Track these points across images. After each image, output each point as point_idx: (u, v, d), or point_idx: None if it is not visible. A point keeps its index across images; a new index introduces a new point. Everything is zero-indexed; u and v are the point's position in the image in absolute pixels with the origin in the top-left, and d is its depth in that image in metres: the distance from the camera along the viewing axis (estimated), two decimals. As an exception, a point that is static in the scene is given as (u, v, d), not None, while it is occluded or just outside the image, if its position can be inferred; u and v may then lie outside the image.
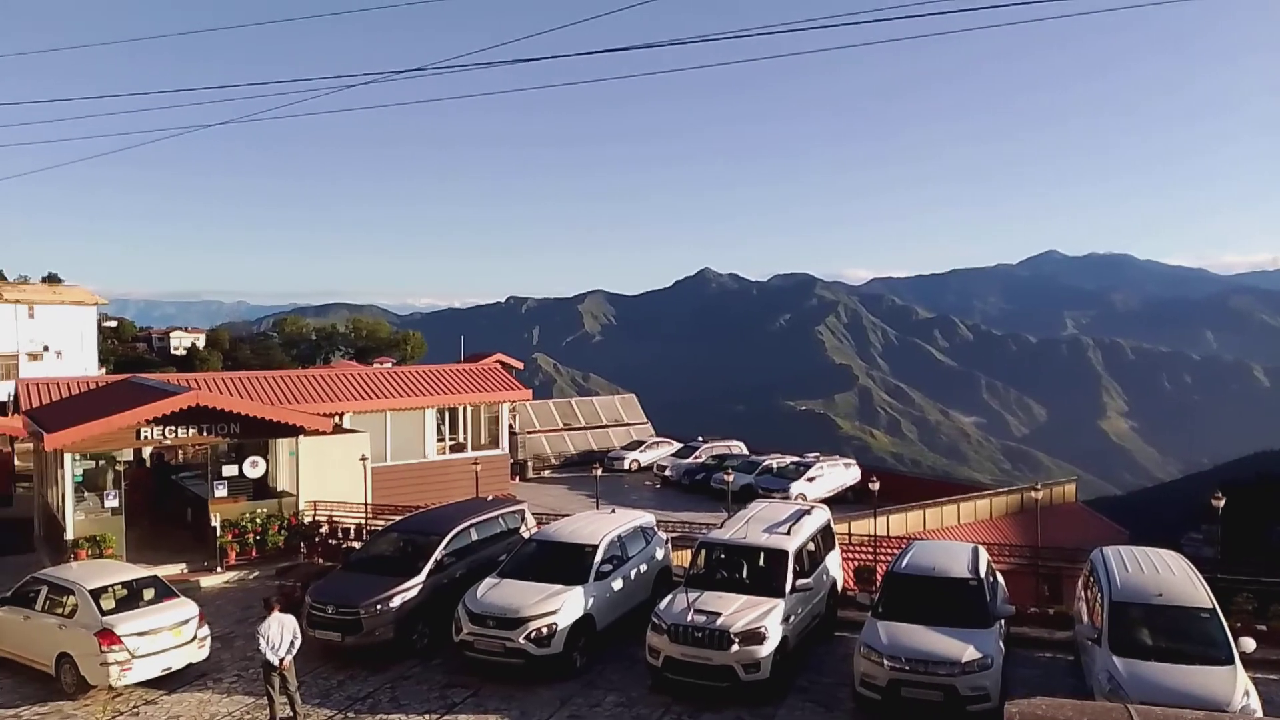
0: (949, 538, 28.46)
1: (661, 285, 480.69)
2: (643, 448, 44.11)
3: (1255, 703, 10.77)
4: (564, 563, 15.29)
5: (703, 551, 15.41)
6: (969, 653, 12.15)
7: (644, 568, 16.77)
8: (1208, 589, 12.66)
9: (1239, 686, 10.84)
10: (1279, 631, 14.86)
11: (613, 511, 18.55)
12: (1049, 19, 17.83)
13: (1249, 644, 11.74)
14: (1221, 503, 18.43)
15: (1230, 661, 11.32)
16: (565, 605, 14.30)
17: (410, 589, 15.62)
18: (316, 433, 23.77)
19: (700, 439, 43.38)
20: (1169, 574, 13.06)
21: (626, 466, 42.56)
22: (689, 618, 13.38)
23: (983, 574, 13.95)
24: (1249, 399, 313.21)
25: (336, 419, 28.96)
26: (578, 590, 14.67)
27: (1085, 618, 13.54)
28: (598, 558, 15.39)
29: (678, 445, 43.37)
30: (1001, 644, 12.89)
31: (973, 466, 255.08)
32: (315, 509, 23.88)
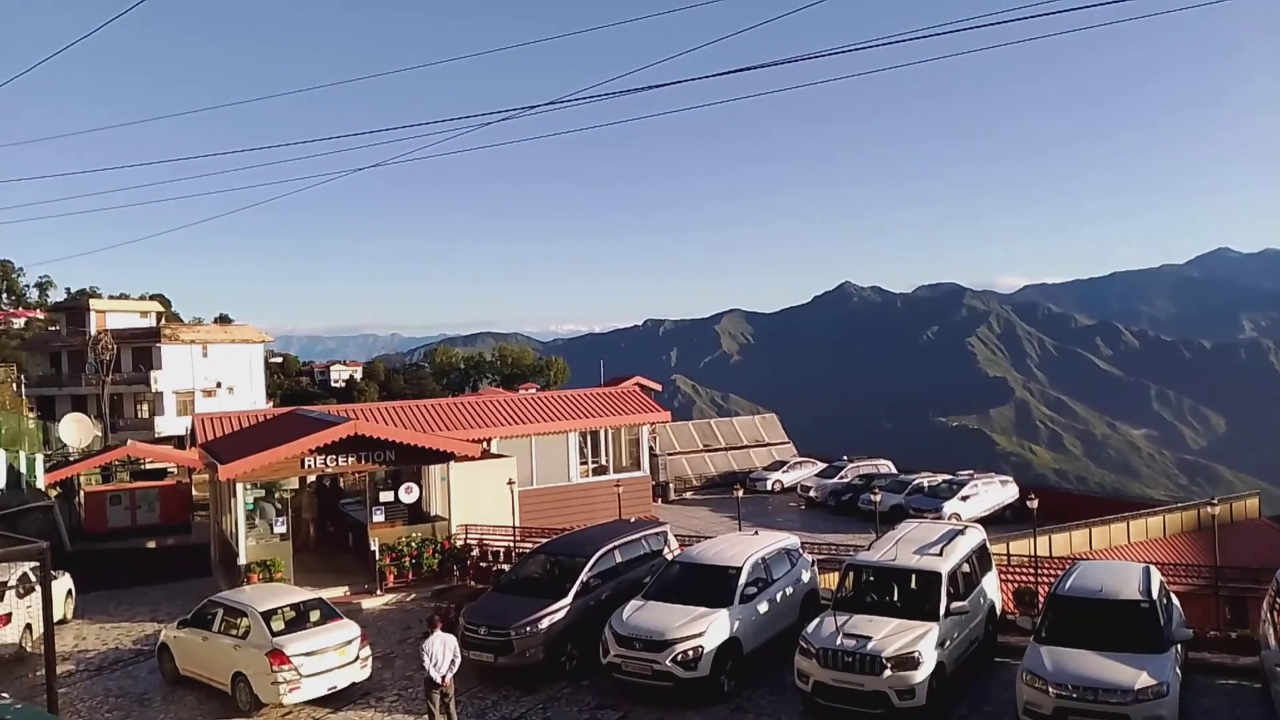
0: (1117, 558, 26.77)
1: (800, 301, 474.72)
2: (785, 468, 43.52)
3: None
4: (708, 585, 15.19)
5: (850, 574, 15.01)
6: (1142, 679, 11.35)
7: (790, 590, 16.49)
8: None
9: None
10: None
11: (756, 533, 18.32)
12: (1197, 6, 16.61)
13: None
14: None
15: None
16: (711, 628, 14.19)
17: (558, 611, 15.84)
18: (466, 458, 24.50)
19: (846, 458, 42.43)
20: (1369, 595, 11.86)
21: (769, 487, 42.05)
22: (838, 641, 13.06)
23: (1155, 595, 13.02)
24: None
25: (485, 444, 29.80)
26: (723, 613, 14.54)
27: (1273, 642, 12.44)
28: (742, 580, 15.22)
29: (822, 465, 42.57)
30: (1178, 670, 11.99)
31: (1145, 482, 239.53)
32: (466, 532, 24.59)
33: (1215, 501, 27.62)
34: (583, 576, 16.44)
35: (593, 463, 35.16)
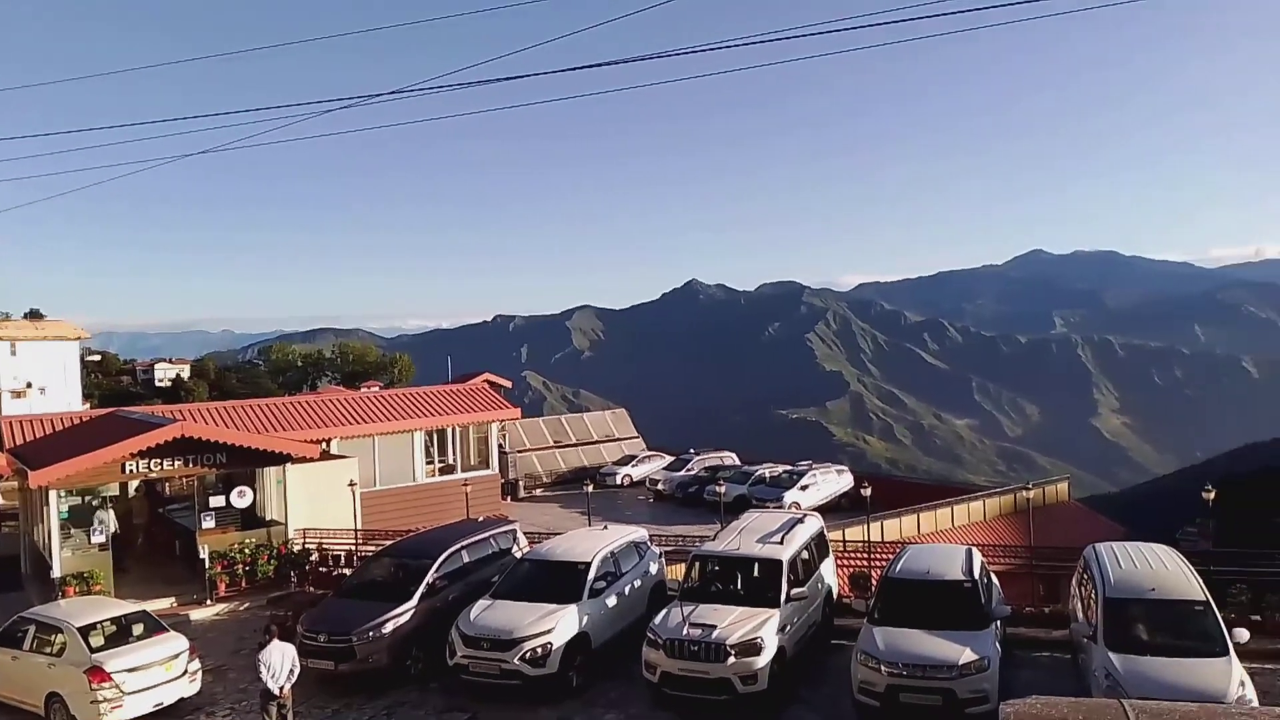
0: (944, 541, 28.36)
1: (650, 298, 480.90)
2: (635, 462, 43.97)
3: (1251, 693, 10.72)
4: (557, 581, 15.19)
5: (697, 564, 15.32)
6: (966, 655, 12.07)
7: (638, 583, 16.68)
8: (1201, 582, 12.61)
9: (1234, 678, 10.79)
10: (1273, 622, 14.84)
11: (605, 528, 18.45)
12: (1040, 17, 17.90)
13: (1243, 635, 11.69)
14: (1212, 495, 18.43)
15: (1225, 653, 11.27)
16: (559, 624, 14.19)
17: (403, 614, 15.49)
18: (304, 460, 23.62)
19: (692, 451, 43.25)
20: (1162, 568, 13.01)
21: (619, 482, 42.39)
22: (684, 632, 13.29)
23: (977, 576, 13.88)
24: (1240, 392, 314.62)
25: (324, 445, 28.80)
26: (572, 609, 14.56)
27: (1081, 615, 13.49)
28: (591, 575, 15.29)
29: (670, 459, 43.24)
30: (998, 645, 12.82)
31: (968, 469, 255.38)
32: (305, 537, 23.69)
33: (1030, 486, 29.72)
34: (428, 578, 16.13)
35: (439, 462, 34.50)
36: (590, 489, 31.88)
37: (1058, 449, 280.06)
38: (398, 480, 32.11)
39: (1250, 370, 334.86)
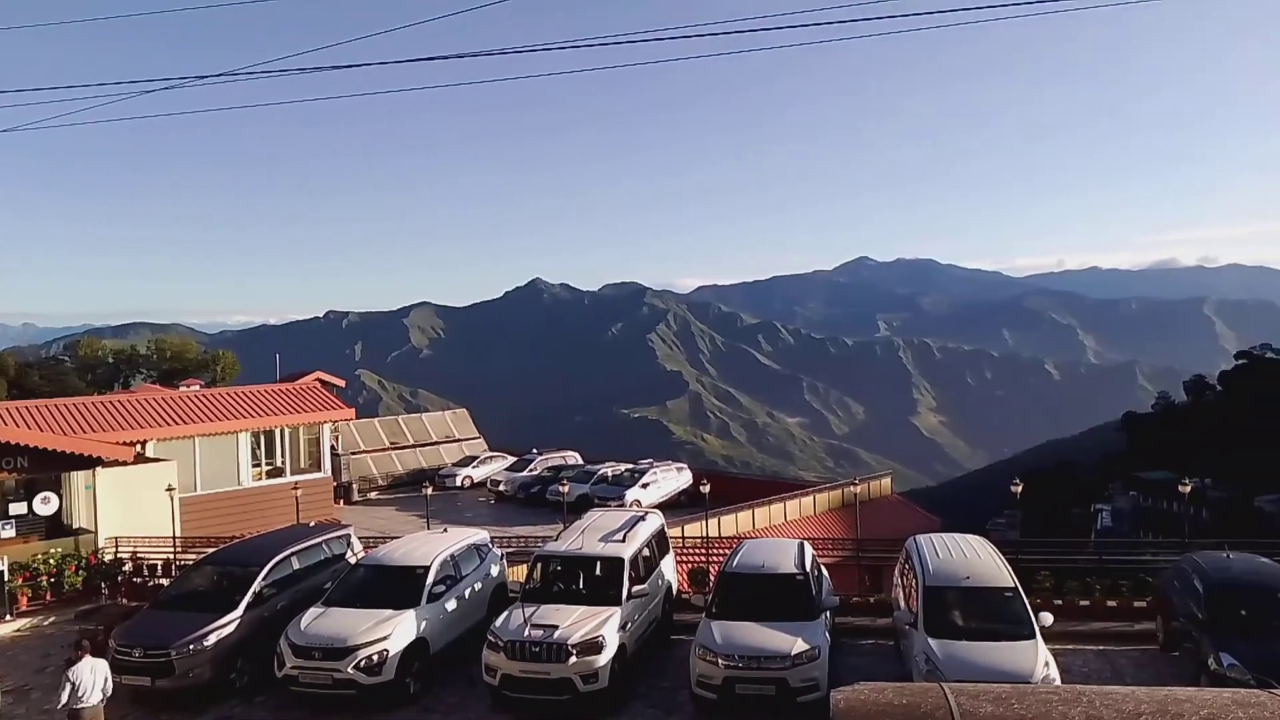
0: (777, 535, 29.41)
1: (492, 296, 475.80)
2: (475, 463, 43.34)
3: (1054, 672, 11.68)
4: (394, 586, 14.81)
5: (539, 565, 15.28)
6: (798, 645, 12.57)
7: (479, 586, 16.47)
8: (1010, 570, 13.62)
9: (1040, 658, 11.73)
10: (1074, 605, 16.20)
11: (444, 531, 18.14)
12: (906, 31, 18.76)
13: (1047, 618, 12.75)
14: (1019, 489, 19.87)
15: (1032, 636, 12.23)
16: (396, 630, 13.84)
17: (227, 625, 14.70)
18: (116, 463, 22.11)
19: (535, 451, 43.06)
20: (975, 557, 13.96)
21: (459, 484, 41.68)
22: (526, 633, 13.23)
23: (808, 568, 14.48)
24: (1043, 391, 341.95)
25: (139, 447, 26.97)
26: (409, 614, 14.23)
27: (903, 604, 14.30)
28: (430, 579, 14.98)
29: (512, 459, 42.90)
30: (828, 634, 13.41)
31: (799, 465, 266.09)
32: (118, 546, 22.15)
33: (856, 481, 31.14)
34: (255, 587, 15.38)
35: (267, 465, 32.92)
36: (429, 491, 31.13)
37: (881, 445, 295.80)
38: (222, 484, 30.43)
39: (1052, 372, 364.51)
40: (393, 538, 18.68)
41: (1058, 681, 11.44)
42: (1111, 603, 16.39)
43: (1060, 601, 16.04)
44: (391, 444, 45.24)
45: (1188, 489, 19.97)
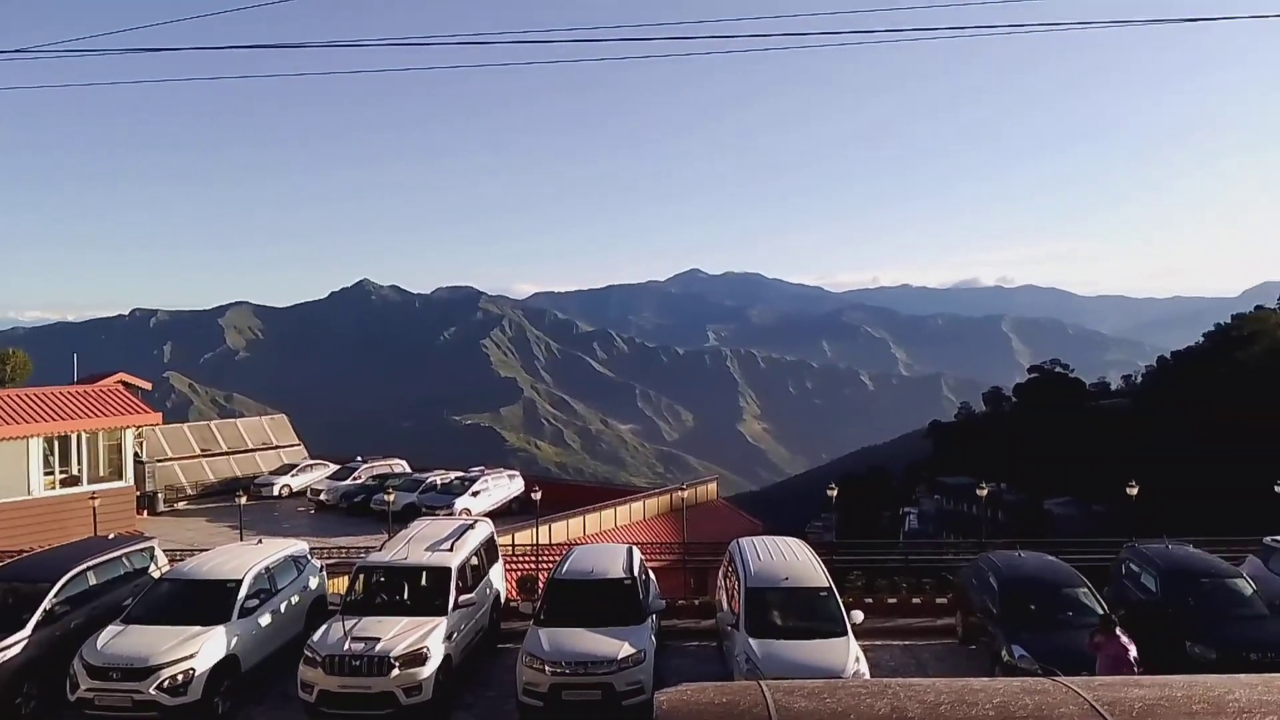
0: (608, 541, 29.63)
1: (316, 296, 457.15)
2: (294, 471, 41.51)
3: (864, 667, 12.32)
4: (202, 602, 13.96)
5: (361, 576, 14.78)
6: (624, 649, 12.70)
7: (296, 599, 15.76)
8: (825, 570, 14.28)
9: (851, 654, 12.35)
10: (883, 603, 17.15)
11: (259, 542, 17.24)
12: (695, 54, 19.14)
13: (859, 616, 13.45)
14: (834, 493, 20.91)
15: (844, 633, 12.87)
16: (204, 648, 13.04)
17: (11, 646, 13.42)
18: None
19: (360, 459, 41.68)
20: (794, 559, 14.56)
21: (276, 493, 39.81)
22: (346, 646, 12.75)
23: (636, 573, 14.66)
24: (858, 401, 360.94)
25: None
26: (219, 630, 13.44)
27: (726, 605, 14.71)
28: (242, 593, 14.20)
29: (335, 467, 41.35)
30: (654, 638, 13.63)
31: (631, 471, 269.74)
32: (-122, 564, 19.78)
33: (684, 487, 31.91)
34: (45, 604, 14.12)
35: (62, 473, 30.34)
36: (243, 501, 29.58)
37: (708, 451, 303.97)
38: (9, 494, 27.87)
39: (866, 383, 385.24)
40: (202, 550, 17.60)
41: (867, 675, 12.06)
42: (916, 600, 17.49)
43: (871, 600, 16.96)
44: (203, 451, 42.67)
45: (984, 493, 21.57)
